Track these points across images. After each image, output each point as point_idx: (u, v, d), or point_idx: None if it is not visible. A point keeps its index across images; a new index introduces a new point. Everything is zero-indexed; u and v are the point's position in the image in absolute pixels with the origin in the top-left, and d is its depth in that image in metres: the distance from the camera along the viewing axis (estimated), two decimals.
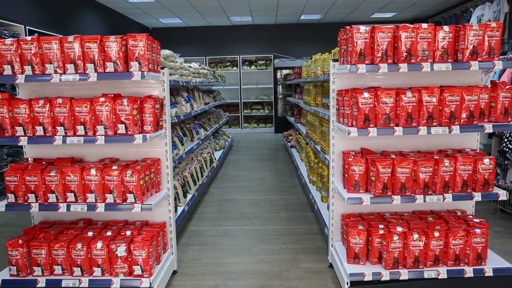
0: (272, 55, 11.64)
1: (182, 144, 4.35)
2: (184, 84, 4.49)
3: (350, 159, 2.56)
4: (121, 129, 2.41)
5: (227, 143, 8.10)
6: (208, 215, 4.35)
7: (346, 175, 2.61)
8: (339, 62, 2.70)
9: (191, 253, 3.30)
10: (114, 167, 2.50)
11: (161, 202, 2.73)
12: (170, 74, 4.12)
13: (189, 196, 4.23)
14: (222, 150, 7.31)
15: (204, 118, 6.82)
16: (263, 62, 11.76)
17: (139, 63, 2.38)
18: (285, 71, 11.73)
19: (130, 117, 2.40)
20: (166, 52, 3.89)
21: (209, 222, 4.09)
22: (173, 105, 4.08)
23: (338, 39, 2.68)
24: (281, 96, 11.94)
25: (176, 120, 3.96)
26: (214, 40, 11.96)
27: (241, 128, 12.00)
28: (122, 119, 2.40)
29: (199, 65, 5.72)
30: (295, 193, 5.14)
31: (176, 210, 3.46)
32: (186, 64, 5.19)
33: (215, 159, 5.99)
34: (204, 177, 5.06)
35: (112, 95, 2.46)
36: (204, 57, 11.74)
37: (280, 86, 11.89)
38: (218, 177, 6.17)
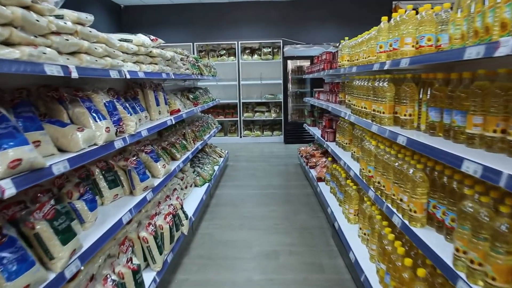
0: (281, 41, 8.80)
1: (66, 242, 1.58)
2: (83, 75, 1.69)
3: None
4: None
5: (217, 167, 5.32)
6: None
7: None
8: None
9: None
10: None
11: None
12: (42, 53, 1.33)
13: None
14: (207, 184, 4.54)
15: (175, 135, 4.04)
16: (269, 50, 8.92)
17: None
18: (298, 62, 8.92)
19: None
20: None
21: None
22: (12, 140, 1.31)
23: None
24: (293, 94, 9.11)
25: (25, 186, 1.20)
26: (204, 21, 9.14)
27: (240, 137, 9.19)
28: None
29: (153, 41, 2.92)
30: None
31: None
32: (117, 36, 2.44)
33: (186, 218, 3.20)
34: None
35: None
36: (191, 44, 8.91)
37: (290, 82, 9.06)
38: (193, 249, 3.39)
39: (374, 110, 2.54)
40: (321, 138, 4.81)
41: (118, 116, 2.21)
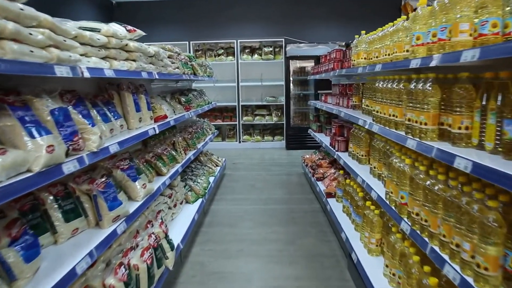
0: (283, 40, 8.24)
1: None
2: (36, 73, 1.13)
3: None
4: None
5: (212, 178, 4.76)
6: None
7: None
8: None
9: None
10: None
11: None
12: None
13: None
14: (201, 199, 3.98)
15: (163, 144, 3.48)
16: (271, 49, 8.36)
17: None
18: (298, 63, 8.36)
19: None
20: None
21: None
22: None
23: None
24: (296, 97, 8.55)
25: None
26: (201, 19, 8.59)
27: (239, 142, 8.62)
28: None
29: (130, 32, 2.36)
30: None
31: None
32: (79, 23, 1.88)
33: (172, 248, 2.62)
34: None
35: None
36: (187, 42, 8.35)
37: (293, 84, 8.50)
38: (180, 284, 2.81)
39: (409, 120, 1.97)
40: (330, 147, 4.24)
41: (72, 129, 1.64)
